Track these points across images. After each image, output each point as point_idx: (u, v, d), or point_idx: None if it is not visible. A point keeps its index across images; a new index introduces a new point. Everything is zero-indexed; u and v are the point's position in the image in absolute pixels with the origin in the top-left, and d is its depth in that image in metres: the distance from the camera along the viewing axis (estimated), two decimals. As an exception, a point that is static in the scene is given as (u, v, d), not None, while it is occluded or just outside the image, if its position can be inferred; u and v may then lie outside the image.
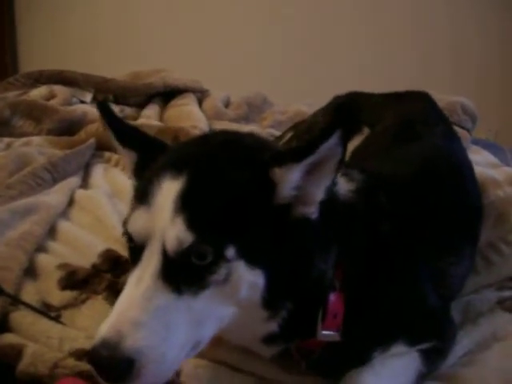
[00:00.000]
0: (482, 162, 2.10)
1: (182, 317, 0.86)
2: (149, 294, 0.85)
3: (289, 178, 0.90)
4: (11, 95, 2.62)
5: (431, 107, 1.67)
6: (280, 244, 0.92)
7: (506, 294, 1.42)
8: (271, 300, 0.93)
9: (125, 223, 0.95)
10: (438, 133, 1.46)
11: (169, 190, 0.89)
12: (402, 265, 1.10)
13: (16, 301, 1.28)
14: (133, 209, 0.95)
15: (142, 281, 0.86)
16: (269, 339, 1.02)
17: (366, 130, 1.62)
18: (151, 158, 0.99)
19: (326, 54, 4.17)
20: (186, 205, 0.87)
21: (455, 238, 1.29)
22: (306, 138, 0.94)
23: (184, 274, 0.86)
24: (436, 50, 4.04)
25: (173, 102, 2.68)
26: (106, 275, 1.42)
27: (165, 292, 0.85)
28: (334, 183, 0.95)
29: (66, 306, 1.32)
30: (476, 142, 2.45)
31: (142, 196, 0.93)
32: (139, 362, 0.81)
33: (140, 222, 0.91)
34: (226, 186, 0.91)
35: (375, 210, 1.09)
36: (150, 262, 0.87)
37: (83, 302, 1.34)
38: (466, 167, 1.47)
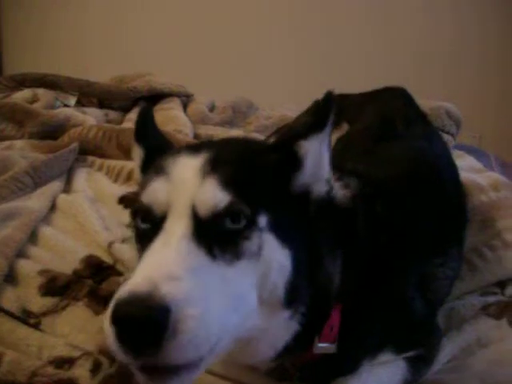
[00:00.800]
0: (465, 166, 2.11)
1: (217, 284, 0.78)
2: (183, 252, 0.77)
3: (314, 149, 0.90)
4: (-7, 98, 2.59)
5: (409, 103, 1.67)
6: (302, 226, 0.91)
7: (490, 299, 1.41)
8: (293, 293, 0.89)
9: (138, 199, 0.90)
10: (418, 132, 1.45)
11: (190, 161, 0.88)
12: (392, 274, 1.09)
13: (-5, 307, 1.25)
14: (146, 183, 0.90)
15: (169, 244, 0.79)
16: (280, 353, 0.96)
17: (345, 126, 1.61)
18: (158, 155, 0.97)
19: (319, 57, 4.19)
20: (216, 168, 0.85)
21: (441, 238, 1.28)
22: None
23: (217, 237, 0.81)
24: (424, 55, 4.07)
25: (158, 106, 2.67)
26: (88, 281, 1.40)
27: (199, 253, 0.78)
28: (331, 187, 0.96)
29: (45, 313, 1.30)
30: (460, 147, 2.46)
31: (157, 171, 0.89)
32: (176, 314, 0.70)
33: (160, 191, 0.86)
34: (252, 157, 0.91)
35: (372, 219, 1.08)
36: (177, 228, 0.81)
37: (63, 308, 1.32)
38: (448, 167, 1.47)
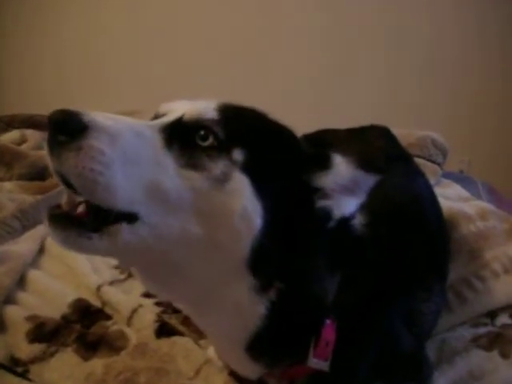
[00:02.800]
0: (453, 195, 2.14)
1: (151, 162, 0.81)
2: (139, 124, 0.83)
3: (355, 178, 0.90)
4: (-18, 140, 2.60)
5: (392, 143, 1.69)
6: (293, 213, 0.90)
7: (481, 330, 1.41)
8: (260, 260, 0.87)
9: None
10: (399, 171, 1.47)
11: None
12: (383, 307, 1.09)
13: (-19, 357, 1.24)
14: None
15: (141, 121, 0.85)
16: (255, 347, 0.95)
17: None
18: None
19: (332, 79, 4.24)
20: (222, 106, 0.89)
21: (426, 274, 1.28)
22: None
23: (183, 141, 0.85)
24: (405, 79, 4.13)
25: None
26: (76, 326, 1.39)
27: (154, 135, 0.83)
28: (351, 216, 0.96)
29: (33, 360, 1.28)
30: (448, 176, 2.49)
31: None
32: (88, 135, 0.75)
33: (171, 102, 0.95)
34: (269, 123, 0.96)
35: (379, 251, 1.08)
36: (159, 120, 0.88)
37: (52, 355, 1.30)
38: (431, 204, 1.48)
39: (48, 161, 0.80)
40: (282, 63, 4.30)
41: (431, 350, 1.32)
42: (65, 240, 0.80)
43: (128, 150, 0.79)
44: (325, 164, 0.92)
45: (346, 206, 0.92)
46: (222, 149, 0.85)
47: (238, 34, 4.37)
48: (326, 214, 0.91)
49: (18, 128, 2.78)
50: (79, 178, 0.76)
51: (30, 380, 1.21)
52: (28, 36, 4.67)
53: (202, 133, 0.85)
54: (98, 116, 0.79)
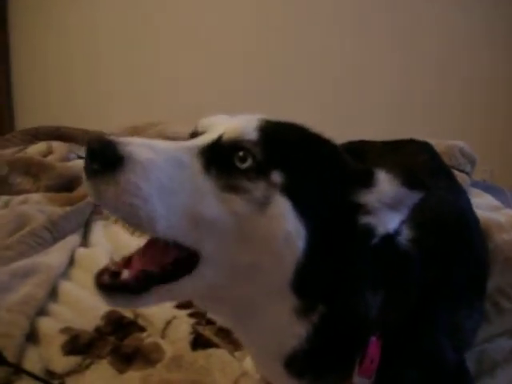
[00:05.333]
0: (483, 205, 2.10)
1: (190, 189, 0.80)
2: (176, 148, 0.83)
3: (387, 191, 0.89)
4: (8, 152, 2.62)
5: (434, 158, 1.67)
6: (336, 231, 0.88)
7: (520, 341, 1.39)
8: (304, 282, 0.86)
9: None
10: (442, 185, 1.45)
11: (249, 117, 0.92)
12: (429, 321, 1.07)
13: (18, 370, 1.23)
14: None
15: (179, 144, 0.85)
16: (295, 364, 0.93)
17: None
18: None
19: (343, 96, 4.22)
20: (262, 125, 0.87)
21: (469, 291, 1.27)
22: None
23: (221, 162, 0.83)
24: (435, 92, 4.11)
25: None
26: (110, 338, 1.38)
27: (191, 159, 0.82)
28: (397, 232, 0.94)
29: (69, 373, 1.27)
30: (475, 185, 2.45)
31: None
32: (125, 167, 0.75)
33: (212, 117, 0.95)
34: (314, 140, 0.94)
35: (424, 266, 1.05)
36: (198, 140, 0.87)
37: (87, 367, 1.29)
38: (473, 221, 1.46)
39: (85, 187, 0.80)
40: (289, 68, 4.29)
41: (470, 361, 1.29)
42: (115, 304, 0.87)
43: (166, 181, 0.78)
44: (369, 181, 0.90)
45: (390, 222, 0.90)
46: (261, 171, 0.83)
47: (243, 40, 4.36)
48: (370, 231, 0.89)
49: (43, 140, 2.80)
50: (119, 212, 0.77)
51: (67, 393, 1.20)
52: (35, 49, 4.73)
53: (241, 154, 0.83)
54: (134, 146, 0.78)
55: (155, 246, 0.84)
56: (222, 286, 0.86)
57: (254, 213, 0.82)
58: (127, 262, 0.85)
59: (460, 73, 4.08)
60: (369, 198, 0.89)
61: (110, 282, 0.83)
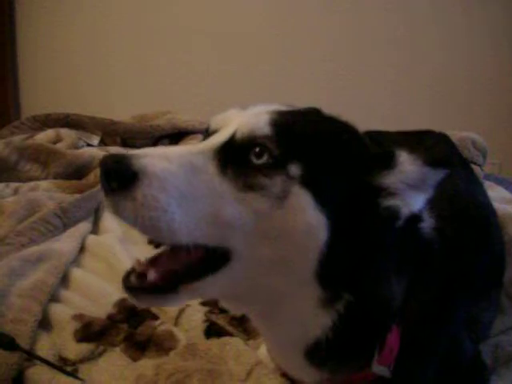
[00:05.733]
0: (496, 197, 2.08)
1: (207, 193, 0.80)
2: (190, 152, 0.82)
3: (410, 172, 0.87)
4: (17, 139, 2.59)
5: (452, 150, 1.66)
6: (358, 217, 0.86)
7: (535, 333, 1.38)
8: (329, 271, 0.85)
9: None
10: (463, 177, 1.44)
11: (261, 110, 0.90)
12: (449, 311, 1.06)
13: (32, 356, 1.23)
14: None
15: (188, 147, 0.85)
16: (316, 354, 0.92)
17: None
18: None
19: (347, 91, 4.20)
20: (275, 117, 0.86)
21: (487, 283, 1.27)
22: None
23: (237, 160, 0.82)
24: (443, 85, 4.08)
25: (180, 144, 2.67)
26: (123, 326, 1.37)
27: (206, 162, 0.82)
28: (421, 218, 0.93)
29: (82, 360, 1.27)
30: (487, 177, 2.44)
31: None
32: (140, 183, 0.75)
33: (224, 114, 0.93)
34: (328, 126, 0.92)
35: (447, 256, 1.04)
36: (207, 141, 0.86)
37: (100, 354, 1.29)
38: (491, 213, 1.45)
39: (104, 205, 0.81)
40: (290, 70, 4.26)
41: (485, 354, 1.29)
42: (143, 304, 0.91)
43: (182, 189, 0.78)
44: (390, 162, 0.88)
45: (414, 202, 0.88)
46: (278, 165, 0.82)
47: (246, 36, 4.33)
48: (394, 213, 0.87)
49: (52, 127, 2.78)
50: (140, 226, 0.77)
51: (81, 379, 1.19)
52: (40, 38, 4.70)
53: (257, 150, 0.82)
54: (147, 158, 0.78)
55: None
56: (250, 281, 0.86)
57: (274, 208, 0.81)
58: (153, 261, 0.85)
59: (467, 65, 4.05)
60: (391, 179, 0.87)
61: (137, 285, 0.83)
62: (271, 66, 4.29)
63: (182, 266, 0.83)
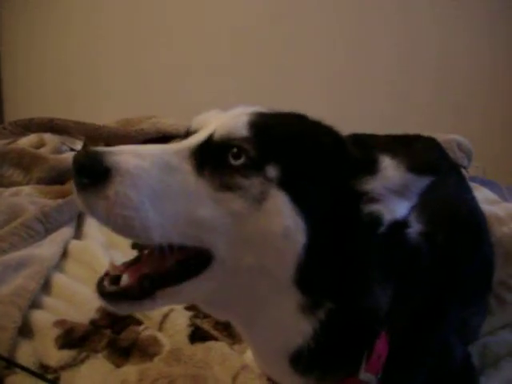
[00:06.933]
0: (482, 198, 2.09)
1: (182, 192, 0.78)
2: (165, 152, 0.80)
3: (392, 177, 0.85)
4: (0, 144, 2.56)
5: (441, 154, 1.66)
6: (339, 222, 0.84)
7: (522, 333, 1.38)
8: (308, 277, 0.83)
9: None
10: (452, 182, 1.43)
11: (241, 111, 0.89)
12: (439, 317, 1.04)
13: (11, 364, 1.20)
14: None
15: (165, 146, 0.83)
16: (302, 361, 0.90)
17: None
18: None
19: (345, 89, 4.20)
20: (254, 119, 0.84)
21: (478, 288, 1.27)
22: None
23: (214, 161, 0.81)
24: (434, 88, 4.10)
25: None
26: (106, 331, 1.34)
27: (182, 161, 0.80)
28: (406, 225, 0.91)
29: (64, 367, 1.24)
30: (472, 179, 2.44)
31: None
32: (113, 179, 0.74)
33: (205, 114, 0.93)
34: (307, 127, 0.90)
35: (435, 261, 1.03)
36: (188, 140, 0.85)
37: (82, 361, 1.26)
38: (481, 218, 1.45)
39: (75, 199, 0.78)
40: (289, 68, 4.26)
41: (474, 355, 1.28)
42: (119, 310, 0.84)
43: (156, 187, 0.76)
44: (372, 168, 0.86)
45: (397, 209, 0.86)
46: (255, 167, 0.80)
47: (240, 36, 4.33)
48: (376, 220, 0.86)
49: (35, 132, 2.75)
50: (112, 225, 0.75)
51: (62, 387, 1.16)
52: (30, 42, 4.67)
53: (234, 151, 0.81)
54: (121, 155, 0.76)
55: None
56: (229, 286, 0.84)
57: (251, 210, 0.79)
58: (129, 265, 0.83)
59: (457, 72, 4.07)
60: (373, 185, 0.86)
61: (112, 290, 0.81)
62: (262, 71, 4.29)
63: (160, 270, 0.81)
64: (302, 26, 4.26)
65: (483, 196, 2.17)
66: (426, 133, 1.95)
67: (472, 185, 2.29)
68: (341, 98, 4.19)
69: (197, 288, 0.82)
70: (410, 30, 4.13)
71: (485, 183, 2.45)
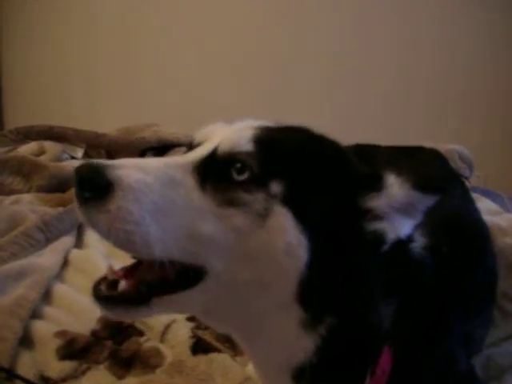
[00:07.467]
0: (483, 209, 2.08)
1: (185, 207, 0.77)
2: (168, 167, 0.79)
3: (397, 195, 0.84)
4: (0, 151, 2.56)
5: (445, 167, 1.66)
6: (342, 239, 0.84)
7: (526, 345, 1.37)
8: (309, 293, 0.82)
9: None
10: (456, 193, 1.43)
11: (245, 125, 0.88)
12: (444, 331, 1.04)
13: (12, 375, 1.18)
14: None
15: (171, 160, 0.82)
16: (304, 377, 0.88)
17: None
18: None
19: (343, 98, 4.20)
20: (259, 133, 0.84)
21: (480, 300, 1.26)
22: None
23: (217, 176, 0.80)
24: (434, 98, 4.10)
25: (166, 156, 2.64)
26: (108, 342, 1.33)
27: (185, 176, 0.79)
28: (410, 239, 0.91)
29: (65, 379, 1.23)
30: (474, 190, 2.44)
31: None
32: (115, 194, 0.73)
33: (208, 127, 0.92)
34: (310, 143, 0.89)
35: (439, 275, 1.02)
36: (191, 154, 0.84)
37: (83, 373, 1.25)
38: (485, 230, 1.44)
39: (76, 212, 0.78)
40: (289, 67, 4.26)
41: (477, 367, 1.27)
42: (114, 315, 0.84)
43: (158, 202, 0.76)
44: (378, 185, 0.85)
45: (401, 227, 0.86)
46: (258, 182, 0.79)
47: (239, 42, 4.34)
48: (380, 238, 0.85)
49: (35, 139, 2.74)
50: (113, 239, 0.75)
51: (63, 399, 1.15)
52: (29, 48, 4.67)
53: (238, 166, 0.80)
54: (123, 169, 0.75)
55: None
56: (226, 299, 0.83)
57: (253, 226, 0.79)
58: (128, 271, 0.82)
59: (459, 79, 4.08)
60: (377, 202, 0.85)
61: (107, 294, 0.80)
62: (263, 72, 4.29)
63: (157, 277, 0.80)
64: (302, 26, 4.27)
65: (485, 206, 2.16)
66: (425, 141, 1.96)
67: (474, 195, 2.30)
68: (341, 98, 4.20)
69: (192, 298, 0.82)
70: (411, 32, 4.14)
71: (486, 193, 2.45)
